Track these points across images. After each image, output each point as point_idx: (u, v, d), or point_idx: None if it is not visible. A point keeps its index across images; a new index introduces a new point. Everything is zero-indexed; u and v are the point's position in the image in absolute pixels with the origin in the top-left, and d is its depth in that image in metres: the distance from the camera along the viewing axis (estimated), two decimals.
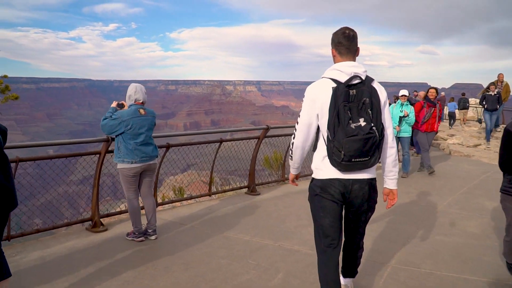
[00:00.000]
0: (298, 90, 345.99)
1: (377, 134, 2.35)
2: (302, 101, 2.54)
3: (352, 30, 2.53)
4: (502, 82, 12.88)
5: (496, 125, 13.29)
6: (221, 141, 6.56)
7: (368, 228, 2.86)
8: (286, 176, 7.58)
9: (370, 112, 2.36)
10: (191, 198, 6.23)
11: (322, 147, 2.53)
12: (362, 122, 2.33)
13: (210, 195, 6.35)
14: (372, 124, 2.35)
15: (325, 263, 2.59)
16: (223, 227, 4.85)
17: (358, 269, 3.01)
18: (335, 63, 2.54)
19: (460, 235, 4.69)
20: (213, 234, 4.60)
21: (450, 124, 16.94)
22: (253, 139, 7.01)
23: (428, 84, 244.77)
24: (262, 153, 8.27)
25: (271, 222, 5.06)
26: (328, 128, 2.39)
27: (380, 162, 2.58)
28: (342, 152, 2.34)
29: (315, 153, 2.61)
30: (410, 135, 8.05)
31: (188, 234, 4.63)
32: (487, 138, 12.30)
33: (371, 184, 2.56)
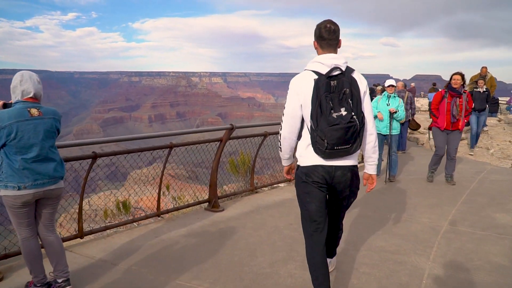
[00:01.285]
0: (264, 81, 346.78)
1: (357, 122, 2.49)
2: (286, 93, 2.66)
3: (334, 24, 2.64)
4: (485, 76, 11.64)
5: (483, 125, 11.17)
6: (171, 146, 5.37)
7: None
8: (256, 183, 6.62)
9: (350, 101, 2.49)
10: (133, 221, 4.99)
11: (306, 135, 2.66)
12: (343, 112, 2.46)
13: (159, 215, 5.10)
14: (353, 113, 2.48)
15: (312, 246, 2.73)
16: (171, 268, 3.61)
17: (337, 250, 3.35)
18: (318, 55, 2.66)
19: (488, 270, 3.58)
20: (157, 282, 3.35)
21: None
22: (213, 141, 5.82)
23: (390, 75, 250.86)
24: (228, 155, 7.22)
25: (237, 258, 3.82)
26: (311, 118, 2.52)
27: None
28: (325, 141, 2.47)
29: (300, 142, 2.73)
30: (399, 132, 7.16)
31: (121, 283, 3.33)
32: (472, 144, 10.23)
33: (353, 171, 2.71)
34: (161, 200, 5.23)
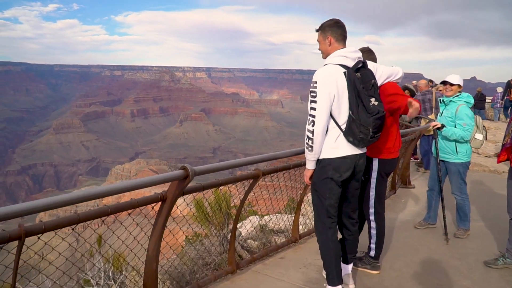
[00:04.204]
0: (248, 77, 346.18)
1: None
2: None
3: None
4: None
5: None
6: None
7: None
8: (239, 259, 3.83)
9: (377, 92, 2.75)
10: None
11: (333, 128, 2.77)
12: (374, 102, 2.68)
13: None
14: (380, 102, 2.74)
15: (331, 238, 2.92)
16: None
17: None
18: (329, 49, 2.82)
19: None
20: None
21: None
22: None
23: None
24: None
25: None
26: (351, 109, 2.69)
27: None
28: (370, 129, 2.65)
29: (328, 134, 2.80)
30: (464, 161, 4.56)
31: None
32: None
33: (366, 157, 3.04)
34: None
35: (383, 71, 3.24)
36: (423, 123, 8.05)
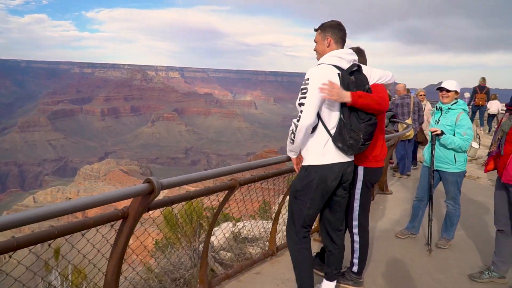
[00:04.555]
0: (222, 78, 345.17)
1: None
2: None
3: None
4: None
5: None
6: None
7: None
8: (211, 277, 3.37)
9: None
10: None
11: (322, 132, 2.63)
12: None
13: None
14: None
15: (305, 247, 2.78)
16: None
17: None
18: (326, 50, 2.69)
19: None
20: None
21: None
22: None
23: None
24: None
25: None
26: (342, 113, 2.58)
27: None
28: (361, 136, 2.53)
29: (314, 139, 2.66)
30: (462, 170, 4.37)
31: None
32: None
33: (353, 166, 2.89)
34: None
35: (375, 74, 3.07)
36: (400, 128, 7.95)
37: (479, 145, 4.50)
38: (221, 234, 4.35)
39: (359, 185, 3.16)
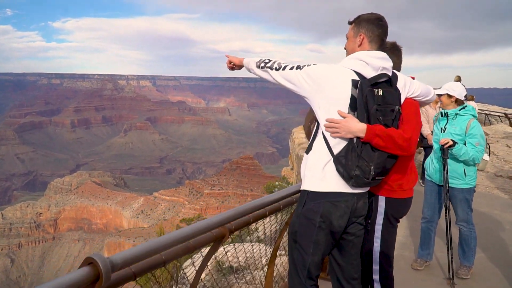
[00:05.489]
0: (194, 85, 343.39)
1: None
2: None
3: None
4: None
5: None
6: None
7: None
8: None
9: (396, 122, 1.99)
10: None
11: (322, 149, 2.01)
12: None
13: None
14: None
15: None
16: None
17: None
18: (357, 49, 2.06)
19: None
20: None
21: None
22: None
23: None
24: None
25: None
26: None
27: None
28: (372, 168, 1.91)
29: (311, 157, 2.05)
30: (472, 186, 3.86)
31: None
32: None
33: (369, 199, 2.20)
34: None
35: (414, 88, 2.27)
36: None
37: (489, 155, 4.04)
38: (200, 260, 3.49)
39: (379, 220, 2.39)
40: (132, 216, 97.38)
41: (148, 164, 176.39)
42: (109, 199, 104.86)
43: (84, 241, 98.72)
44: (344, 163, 1.92)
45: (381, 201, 2.33)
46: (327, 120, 1.94)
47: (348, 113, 1.91)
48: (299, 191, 2.17)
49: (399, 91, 2.03)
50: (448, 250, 3.72)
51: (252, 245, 3.83)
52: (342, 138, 1.93)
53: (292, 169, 26.50)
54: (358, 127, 1.88)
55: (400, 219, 2.45)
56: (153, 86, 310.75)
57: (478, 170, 3.89)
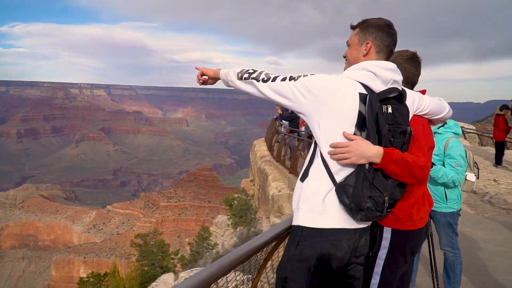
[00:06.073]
0: (151, 95, 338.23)
1: None
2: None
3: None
4: None
5: None
6: None
7: None
8: None
9: (406, 146, 1.69)
10: None
11: (321, 176, 1.66)
12: None
13: None
14: None
15: None
16: None
17: None
18: (361, 59, 1.73)
19: None
20: None
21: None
22: None
23: None
24: None
25: None
26: None
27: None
28: (386, 198, 1.61)
29: (308, 185, 1.69)
30: (456, 210, 3.65)
31: None
32: None
33: (371, 229, 1.87)
34: None
35: (425, 104, 1.98)
36: None
37: (477, 176, 3.74)
38: None
39: (382, 254, 2.00)
40: (83, 231, 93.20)
41: (101, 176, 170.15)
42: (58, 214, 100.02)
43: (29, 259, 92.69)
44: (352, 193, 1.60)
45: (386, 233, 1.93)
46: (332, 146, 1.62)
47: (354, 133, 1.61)
48: (290, 227, 1.78)
49: (408, 108, 1.74)
50: (433, 278, 3.41)
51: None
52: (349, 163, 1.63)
53: (252, 181, 26.66)
54: (374, 151, 1.58)
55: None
56: (108, 95, 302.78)
57: (463, 191, 3.64)
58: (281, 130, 12.94)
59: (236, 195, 25.09)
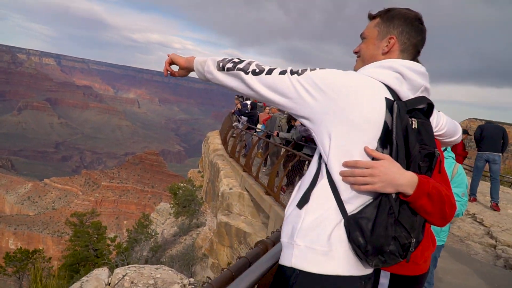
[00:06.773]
0: (104, 71, 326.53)
1: None
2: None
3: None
4: None
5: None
6: None
7: None
8: None
9: (431, 172, 1.27)
10: None
11: (327, 204, 1.19)
12: None
13: None
14: None
15: None
16: None
17: None
18: (379, 57, 1.31)
19: None
20: None
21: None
22: None
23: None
24: None
25: None
26: None
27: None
28: (413, 238, 1.17)
29: (307, 215, 1.21)
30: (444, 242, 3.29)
31: None
32: None
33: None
34: None
35: (442, 122, 1.65)
36: None
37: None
38: None
39: None
40: (17, 202, 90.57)
41: (42, 148, 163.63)
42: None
43: None
44: (371, 230, 1.13)
45: (384, 278, 1.65)
46: (348, 165, 1.16)
47: (376, 149, 1.16)
48: (274, 264, 1.44)
49: (431, 126, 1.28)
50: None
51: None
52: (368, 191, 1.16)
53: (200, 172, 25.46)
54: (407, 178, 1.13)
55: None
56: (58, 65, 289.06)
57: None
58: (238, 126, 12.03)
59: (182, 184, 24.93)
